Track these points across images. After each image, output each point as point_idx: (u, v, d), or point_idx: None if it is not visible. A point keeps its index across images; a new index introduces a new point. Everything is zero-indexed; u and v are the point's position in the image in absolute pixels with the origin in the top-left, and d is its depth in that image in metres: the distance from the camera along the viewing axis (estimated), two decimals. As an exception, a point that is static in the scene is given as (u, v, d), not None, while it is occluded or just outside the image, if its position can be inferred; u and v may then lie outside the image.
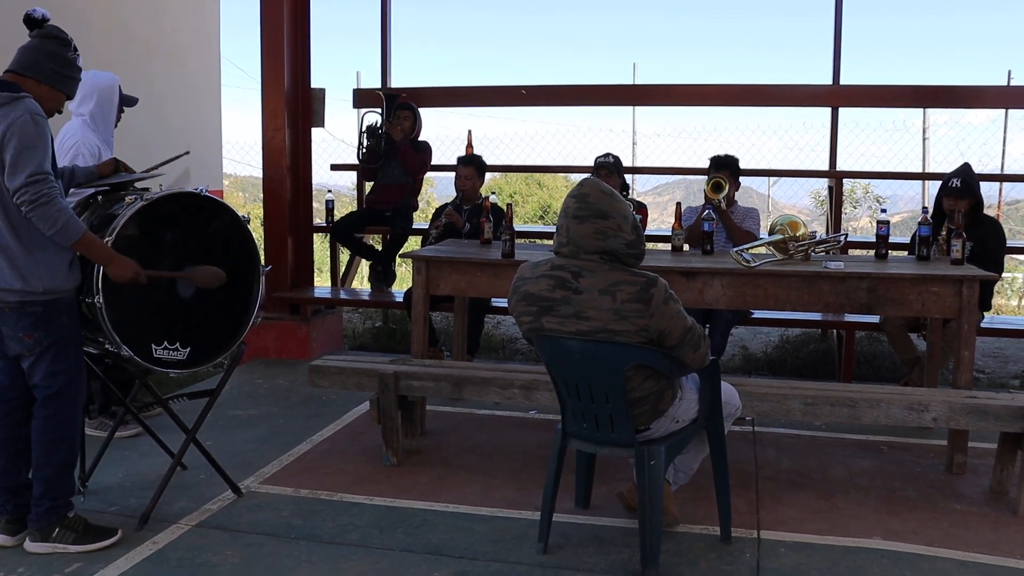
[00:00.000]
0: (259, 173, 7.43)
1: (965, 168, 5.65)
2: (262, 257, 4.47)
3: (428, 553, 3.66)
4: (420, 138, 7.37)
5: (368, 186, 7.63)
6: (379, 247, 7.77)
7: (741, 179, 6.19)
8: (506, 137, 16.42)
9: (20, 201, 3.33)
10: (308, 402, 5.82)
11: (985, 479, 4.55)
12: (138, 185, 4.18)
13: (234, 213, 4.08)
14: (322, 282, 9.31)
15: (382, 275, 7.25)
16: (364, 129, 7.35)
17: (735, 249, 4.88)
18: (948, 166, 5.77)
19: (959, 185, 5.49)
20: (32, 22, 3.52)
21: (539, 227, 11.46)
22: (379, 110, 7.34)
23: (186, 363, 3.94)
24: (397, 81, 8.00)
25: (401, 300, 6.74)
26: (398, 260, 7.56)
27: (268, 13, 7.02)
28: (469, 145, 7.54)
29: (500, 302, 6.30)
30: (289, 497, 4.23)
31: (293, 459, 4.77)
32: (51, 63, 3.54)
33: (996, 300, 10.21)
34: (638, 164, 11.54)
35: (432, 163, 7.42)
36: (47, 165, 3.39)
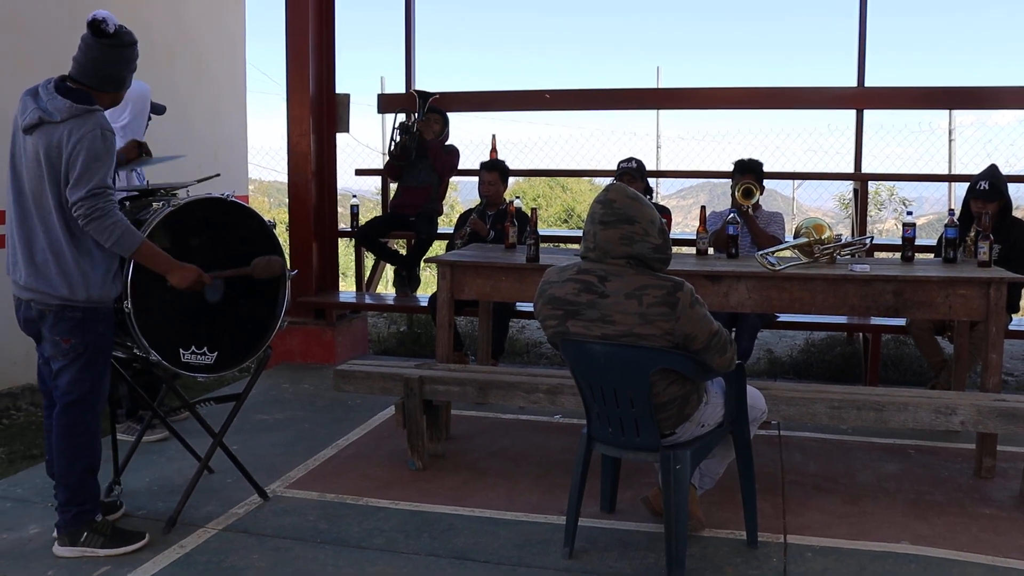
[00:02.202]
0: (284, 178, 7.48)
1: (992, 170, 5.61)
2: (288, 262, 4.49)
3: (453, 558, 3.66)
4: (448, 142, 7.39)
5: (393, 190, 7.65)
6: (404, 252, 7.79)
7: (767, 182, 6.17)
8: (530, 141, 16.41)
9: (78, 214, 3.38)
10: (333, 406, 5.84)
11: (1014, 483, 4.51)
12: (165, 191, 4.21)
13: (260, 218, 4.11)
14: (347, 287, 9.34)
15: (406, 280, 7.27)
16: (397, 125, 7.37)
17: (760, 252, 4.86)
18: (974, 168, 5.74)
19: (987, 187, 5.45)
20: (100, 31, 3.46)
21: (563, 231, 11.45)
22: (406, 111, 7.37)
23: (213, 367, 3.98)
24: (421, 86, 8.02)
25: (426, 304, 6.75)
26: (423, 264, 7.57)
27: (293, 19, 7.06)
28: (493, 149, 7.55)
29: (525, 306, 6.31)
30: (315, 501, 4.24)
31: (319, 463, 4.79)
32: (127, 72, 3.60)
33: (1024, 302, 10.12)
34: (662, 167, 11.53)
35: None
36: (109, 180, 3.43)
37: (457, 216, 7.17)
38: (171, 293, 3.71)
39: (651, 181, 6.89)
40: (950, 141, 12.39)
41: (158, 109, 5.16)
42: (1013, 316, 6.05)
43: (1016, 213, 5.95)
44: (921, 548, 3.78)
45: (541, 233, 6.10)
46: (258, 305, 4.10)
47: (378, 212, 8.15)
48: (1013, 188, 6.10)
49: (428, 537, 3.85)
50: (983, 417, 4.18)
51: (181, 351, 3.86)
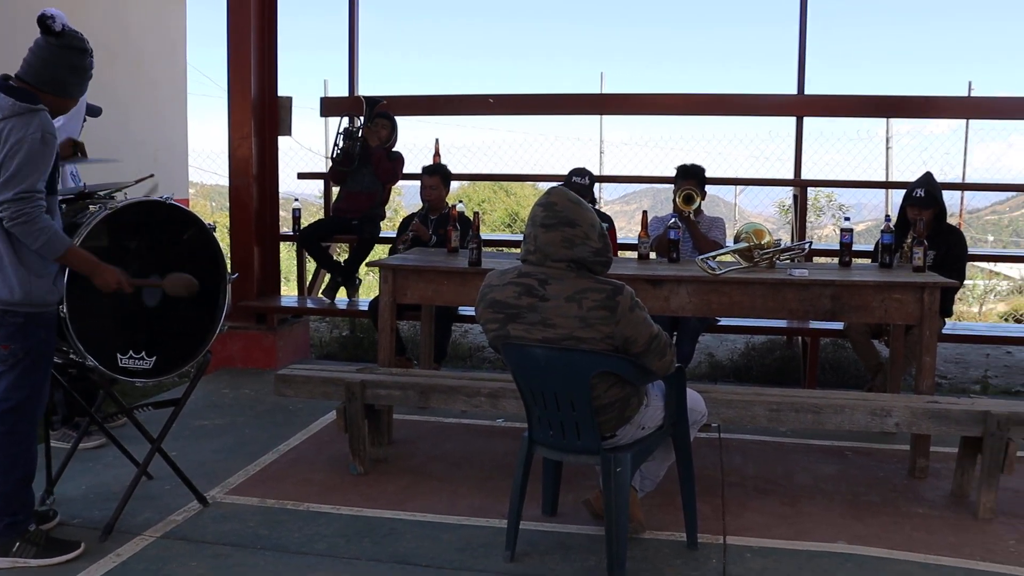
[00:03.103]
0: (226, 182, 7.40)
1: (928, 178, 5.72)
2: (228, 266, 4.45)
3: (395, 562, 3.65)
4: (394, 148, 7.36)
5: (335, 194, 7.61)
6: (346, 255, 7.74)
7: (709, 188, 6.23)
8: (473, 146, 16.42)
9: (2, 216, 3.31)
10: (274, 412, 5.79)
11: (947, 483, 4.60)
12: (101, 193, 4.15)
13: (200, 221, 4.07)
14: (289, 291, 9.26)
15: (338, 287, 7.23)
16: (341, 131, 7.33)
17: (700, 257, 4.91)
18: (911, 175, 5.85)
19: (923, 195, 5.56)
20: (47, 27, 3.41)
21: (507, 235, 11.47)
22: (350, 115, 7.33)
23: (151, 372, 3.93)
24: (364, 90, 7.99)
25: (367, 309, 6.72)
26: (365, 268, 7.54)
27: (235, 21, 6.99)
28: (436, 154, 7.54)
29: (467, 310, 6.31)
30: (255, 507, 4.20)
31: (259, 469, 4.74)
32: (72, 77, 3.52)
33: (957, 307, 10.34)
34: (606, 172, 11.58)
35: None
36: (41, 184, 3.36)
37: (400, 220, 7.14)
38: (109, 297, 3.65)
39: (595, 186, 6.92)
40: (887, 149, 12.61)
41: (94, 111, 5.08)
42: (946, 320, 6.17)
43: (950, 220, 6.07)
44: (857, 547, 3.85)
45: (485, 238, 6.10)
46: (198, 309, 4.05)
47: (321, 216, 8.09)
48: (947, 195, 6.23)
49: (370, 542, 3.84)
50: (917, 419, 4.26)
51: (119, 356, 3.81)
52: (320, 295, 7.46)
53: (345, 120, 7.41)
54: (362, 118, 7.26)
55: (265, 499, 4.30)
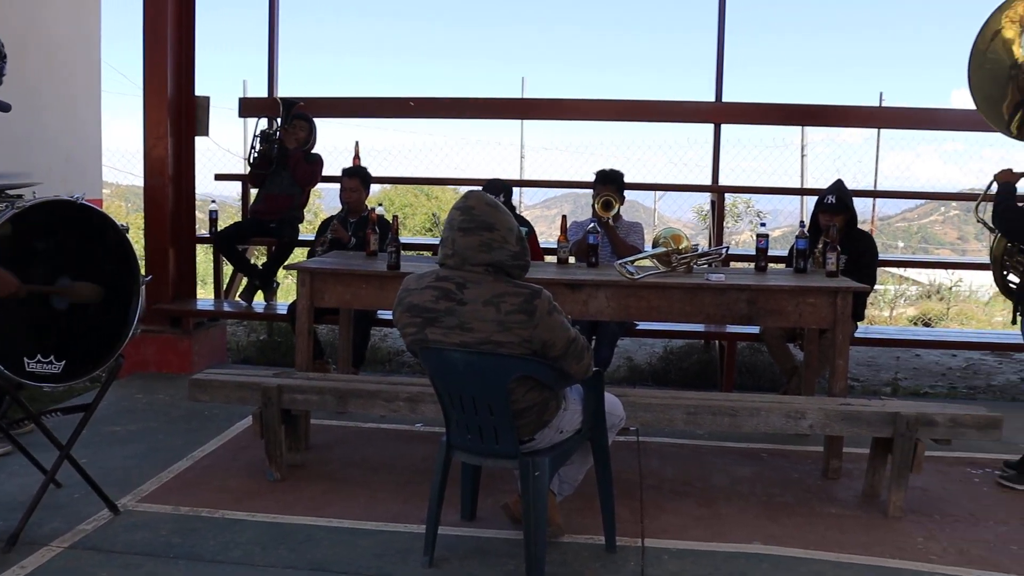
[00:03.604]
0: (141, 182, 7.24)
1: (839, 184, 5.85)
2: (142, 268, 4.35)
3: (312, 569, 3.59)
4: (313, 150, 7.28)
5: (253, 196, 7.51)
6: (264, 258, 7.65)
7: (628, 193, 6.28)
8: (394, 148, 16.35)
9: None
10: (189, 417, 5.68)
11: (859, 483, 4.70)
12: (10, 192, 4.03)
13: (112, 222, 3.97)
14: (205, 294, 9.11)
15: (256, 290, 7.14)
16: (258, 133, 7.23)
17: (619, 261, 4.95)
18: (825, 182, 5.98)
19: (834, 201, 5.68)
20: None
21: (428, 239, 11.43)
22: (269, 117, 7.24)
23: (61, 377, 3.82)
24: (284, 90, 7.90)
25: (285, 312, 6.64)
26: (283, 272, 7.45)
27: (151, 17, 6.85)
28: (356, 156, 7.49)
29: (386, 314, 6.27)
30: (168, 515, 4.10)
31: (173, 476, 4.64)
32: None
33: (869, 311, 10.59)
34: (526, 177, 11.61)
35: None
36: None
37: (320, 222, 7.06)
38: (15, 300, 3.55)
39: (515, 191, 6.94)
40: (802, 156, 12.87)
41: (2, 107, 4.93)
42: (859, 324, 6.30)
43: (861, 226, 6.20)
44: (772, 547, 3.90)
45: (406, 241, 6.07)
46: (110, 313, 3.95)
47: (239, 218, 7.98)
48: (860, 203, 6.37)
49: (286, 549, 3.77)
50: (829, 421, 4.34)
51: (26, 360, 3.69)
52: (237, 298, 7.35)
53: (263, 122, 7.31)
54: (279, 120, 7.18)
55: (179, 507, 4.20)
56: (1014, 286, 5.07)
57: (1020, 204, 4.75)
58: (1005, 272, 5.19)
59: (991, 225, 4.92)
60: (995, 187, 4.87)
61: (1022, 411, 5.15)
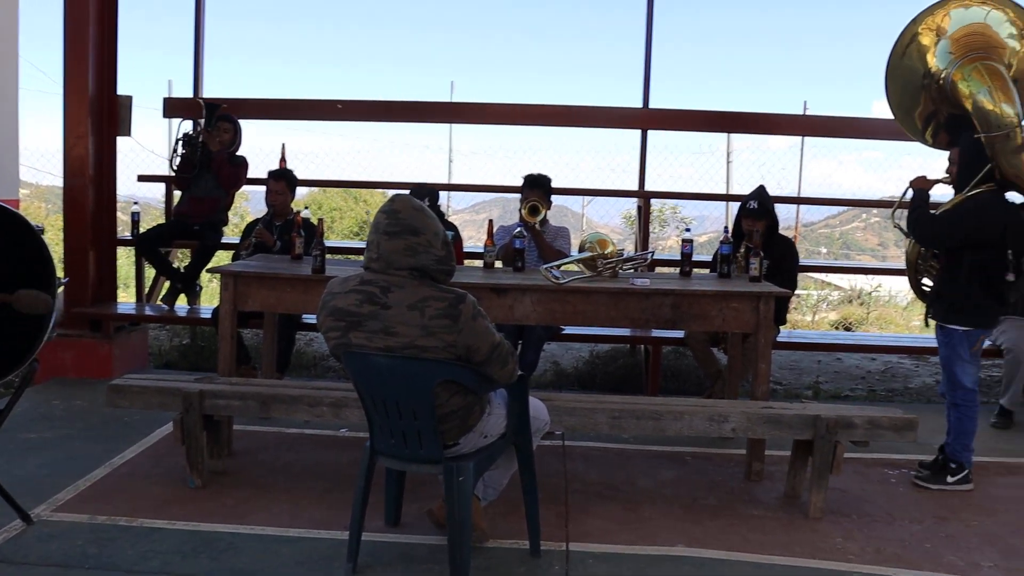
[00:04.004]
0: (61, 182, 7.07)
1: (761, 190, 5.94)
2: (60, 270, 4.24)
3: (232, 577, 3.55)
4: (238, 152, 7.18)
5: (177, 198, 7.39)
6: (188, 260, 7.52)
7: (556, 198, 6.31)
8: (322, 152, 16.24)
9: None
10: (108, 424, 5.55)
11: (780, 484, 4.78)
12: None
13: (26, 222, 3.87)
14: (127, 298, 8.93)
15: (178, 294, 7.02)
16: (180, 137, 7.11)
17: (545, 266, 4.96)
18: (750, 188, 6.06)
19: (756, 206, 5.77)
20: None
21: (356, 243, 11.36)
22: (191, 119, 7.13)
23: (-30, 382, 3.71)
24: (210, 92, 7.78)
25: (209, 316, 6.54)
26: (207, 275, 7.34)
27: (72, 13, 6.70)
28: (282, 159, 7.40)
29: (311, 318, 6.20)
30: (85, 525, 4.01)
31: (90, 484, 4.53)
32: None
33: (792, 316, 10.76)
34: (455, 181, 11.61)
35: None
36: None
37: (245, 225, 6.97)
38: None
39: (444, 195, 6.93)
40: (728, 163, 13.06)
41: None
42: (781, 328, 6.40)
43: (785, 232, 6.31)
44: (695, 550, 3.95)
45: (334, 245, 6.01)
46: (24, 315, 3.85)
47: (162, 220, 7.83)
48: (784, 209, 6.48)
49: (207, 558, 3.72)
50: (752, 424, 4.40)
51: (-67, 365, 3.59)
52: (159, 302, 7.22)
53: (185, 125, 7.20)
54: (202, 122, 7.08)
55: (96, 516, 4.11)
56: (928, 289, 5.20)
57: (933, 211, 4.88)
58: (919, 276, 5.31)
59: (906, 230, 5.03)
60: (911, 194, 4.98)
61: (937, 413, 5.27)
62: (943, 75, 5.03)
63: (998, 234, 4.64)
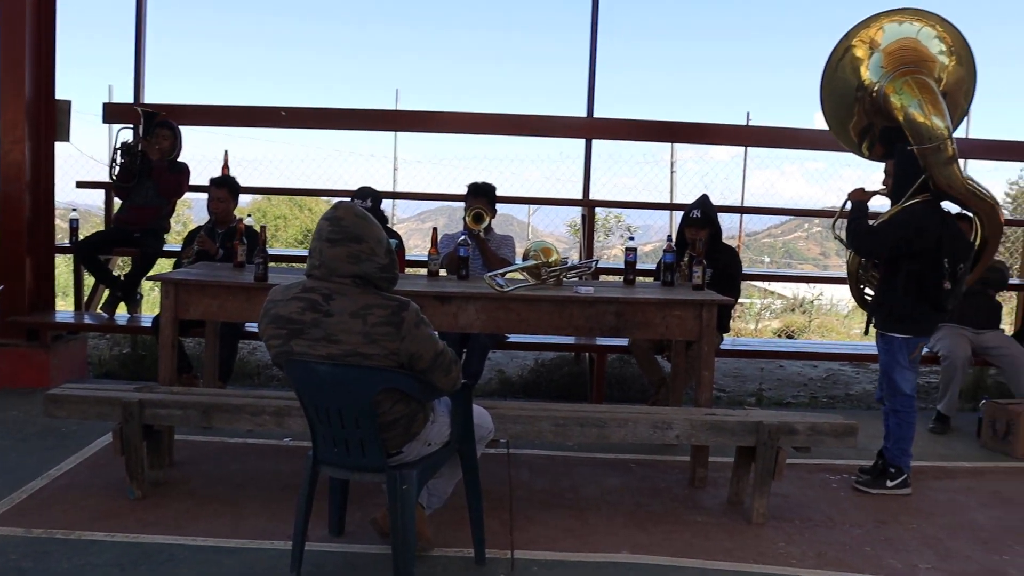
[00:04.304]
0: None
1: (704, 199, 6.00)
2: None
3: (172, 589, 3.50)
4: (179, 159, 7.10)
5: (117, 205, 7.28)
6: (128, 268, 7.42)
7: (502, 207, 6.32)
8: (266, 159, 16.13)
9: None
10: (46, 434, 5.45)
11: (724, 491, 4.82)
12: None
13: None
14: (66, 306, 8.78)
15: (118, 302, 6.92)
16: (119, 146, 7.01)
17: (489, 274, 4.96)
18: (694, 198, 6.13)
19: (699, 215, 5.83)
20: None
21: (300, 251, 11.27)
22: (132, 127, 7.04)
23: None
24: (152, 97, 7.68)
25: (150, 325, 6.45)
26: (149, 284, 7.24)
27: (7, 14, 6.59)
28: (225, 166, 7.33)
29: (254, 327, 6.14)
30: (20, 538, 3.92)
31: (26, 496, 4.44)
32: None
33: (735, 324, 10.88)
34: (400, 189, 11.56)
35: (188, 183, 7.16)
36: None
37: (187, 233, 6.89)
38: None
39: (389, 203, 6.90)
40: (672, 173, 13.17)
41: None
42: (724, 336, 6.46)
43: (729, 241, 6.38)
44: (640, 556, 3.98)
45: (279, 253, 5.96)
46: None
47: (102, 227, 7.71)
48: (727, 218, 6.56)
49: (147, 570, 3.66)
50: (695, 430, 4.43)
51: None
52: (99, 310, 7.10)
53: (123, 134, 7.09)
54: (135, 129, 6.98)
55: (31, 529, 4.02)
56: (870, 298, 5.28)
57: (872, 222, 4.96)
58: (861, 286, 5.40)
59: (845, 241, 5.11)
60: (849, 205, 5.07)
61: (877, 419, 5.35)
62: (876, 88, 5.12)
63: (933, 243, 4.74)
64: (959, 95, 5.14)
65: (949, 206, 5.01)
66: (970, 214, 5.25)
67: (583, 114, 7.64)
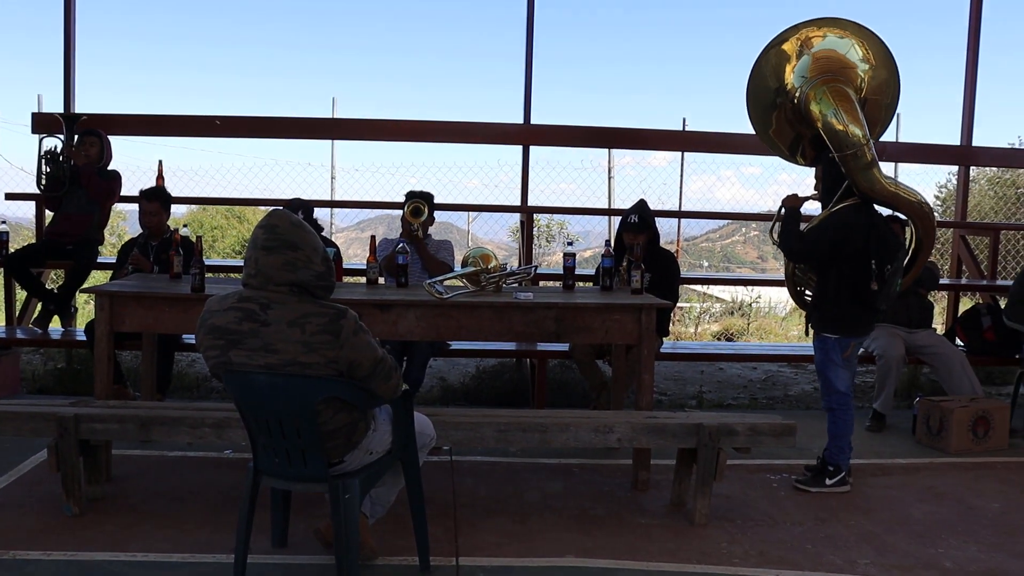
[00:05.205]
0: (-77, 203, 6.79)
1: (641, 205, 6.06)
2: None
3: (111, 606, 3.44)
4: (110, 167, 6.99)
5: (49, 216, 7.15)
6: (61, 281, 7.29)
7: (441, 214, 6.31)
8: (201, 169, 15.95)
9: None
10: (-23, 452, 5.33)
11: (666, 493, 4.86)
12: None
13: None
14: (-3, 321, 8.60)
15: (51, 316, 6.80)
16: (43, 155, 6.88)
17: (428, 281, 4.96)
18: (632, 203, 6.17)
19: (636, 220, 5.88)
20: None
21: (237, 261, 11.15)
22: (60, 135, 6.92)
23: None
24: (83, 106, 7.57)
25: (83, 338, 6.34)
26: (83, 296, 7.11)
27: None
28: (160, 176, 7.24)
29: (192, 338, 6.07)
30: (-48, 558, 3.84)
31: (-42, 515, 4.35)
32: None
33: (675, 328, 10.96)
34: (337, 198, 11.50)
35: (122, 194, 7.05)
36: None
37: (122, 244, 6.78)
38: None
39: (327, 211, 6.87)
40: (609, 179, 13.20)
41: None
42: (664, 339, 6.52)
43: (668, 246, 6.44)
44: (584, 560, 3.99)
45: (216, 264, 5.89)
46: None
47: (33, 240, 7.57)
48: (665, 223, 6.62)
49: (85, 587, 3.60)
50: (636, 434, 4.46)
51: None
52: (31, 325, 6.97)
53: (47, 142, 6.96)
54: (62, 137, 6.87)
55: (-36, 549, 3.93)
56: (809, 298, 5.37)
57: (805, 224, 5.05)
58: (799, 288, 5.48)
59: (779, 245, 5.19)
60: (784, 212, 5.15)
61: (815, 419, 5.44)
62: (797, 94, 5.20)
63: (861, 246, 4.84)
64: (882, 101, 5.25)
65: (884, 209, 5.11)
66: (903, 216, 5.35)
67: (519, 117, 7.67)
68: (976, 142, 8.25)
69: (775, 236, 5.20)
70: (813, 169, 5.24)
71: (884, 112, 5.29)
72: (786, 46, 5.20)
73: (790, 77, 5.21)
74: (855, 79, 5.15)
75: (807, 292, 5.45)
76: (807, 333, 5.34)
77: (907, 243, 5.26)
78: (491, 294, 5.00)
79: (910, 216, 5.25)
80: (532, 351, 6.75)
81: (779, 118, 5.34)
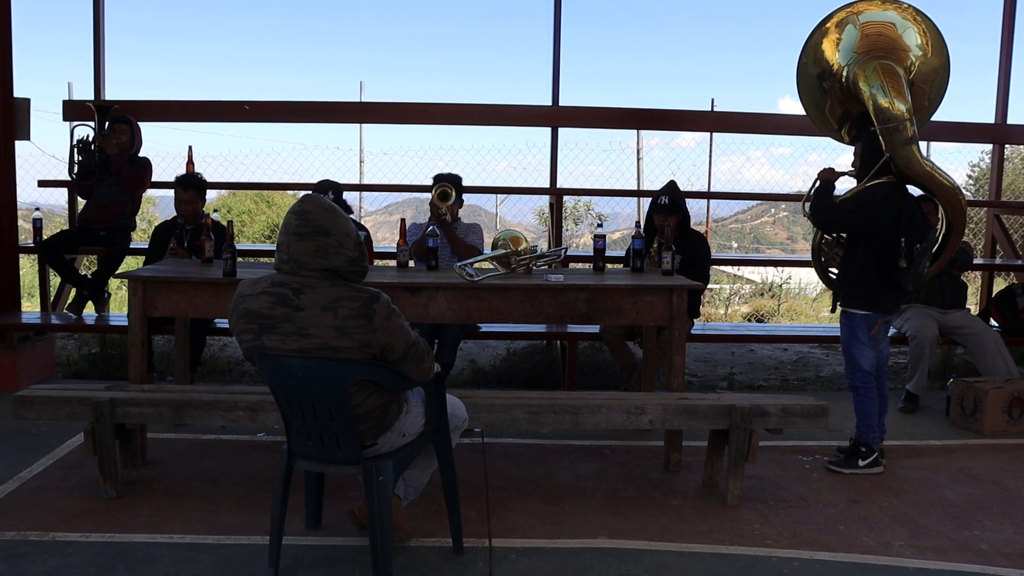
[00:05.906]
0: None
1: (671, 186, 6.03)
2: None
3: (149, 588, 3.48)
4: (140, 154, 7.03)
5: (81, 204, 7.21)
6: (95, 267, 7.35)
7: (470, 197, 6.31)
8: (231, 154, 16.02)
9: None
10: (15, 437, 5.39)
11: (698, 474, 4.86)
12: None
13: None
14: (32, 307, 8.70)
15: (85, 302, 6.85)
16: (75, 143, 6.93)
17: (458, 264, 4.96)
18: (661, 184, 6.15)
19: (667, 202, 5.85)
20: None
21: (267, 246, 11.22)
22: (91, 123, 6.97)
23: None
24: (113, 94, 7.62)
25: (117, 324, 6.40)
26: (116, 282, 7.17)
27: (-37, 15, 6.51)
28: (190, 162, 7.27)
29: (224, 322, 6.11)
30: (-8, 541, 3.89)
31: (-2, 499, 4.41)
32: None
33: (705, 309, 10.93)
34: (366, 182, 11.53)
35: (153, 180, 7.09)
36: None
37: (152, 230, 6.82)
38: None
39: (355, 195, 6.88)
40: (638, 160, 13.17)
41: None
42: (695, 321, 6.50)
43: (696, 227, 6.41)
44: (617, 541, 4.00)
45: (246, 248, 5.91)
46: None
47: (66, 226, 7.63)
48: (695, 204, 6.59)
49: (124, 569, 3.63)
50: (668, 415, 4.46)
51: None
52: (65, 310, 7.03)
53: (79, 131, 7.01)
54: (93, 125, 6.91)
55: (4, 532, 3.98)
56: (834, 276, 5.34)
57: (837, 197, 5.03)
58: (825, 264, 5.46)
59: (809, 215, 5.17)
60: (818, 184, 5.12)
61: (847, 400, 5.40)
62: (845, 73, 5.17)
63: (891, 222, 4.80)
64: (929, 88, 5.22)
65: (915, 191, 5.08)
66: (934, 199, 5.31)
67: (548, 99, 7.65)
68: (1011, 120, 8.13)
69: (807, 209, 5.17)
70: (845, 149, 5.20)
71: (928, 102, 5.26)
72: (839, 23, 5.18)
73: (840, 54, 5.18)
74: (905, 60, 5.11)
75: (832, 268, 5.43)
76: (833, 310, 5.31)
77: (938, 226, 5.23)
78: (521, 276, 5.00)
79: (942, 199, 5.20)
80: (562, 333, 6.74)
81: (831, 96, 5.32)
